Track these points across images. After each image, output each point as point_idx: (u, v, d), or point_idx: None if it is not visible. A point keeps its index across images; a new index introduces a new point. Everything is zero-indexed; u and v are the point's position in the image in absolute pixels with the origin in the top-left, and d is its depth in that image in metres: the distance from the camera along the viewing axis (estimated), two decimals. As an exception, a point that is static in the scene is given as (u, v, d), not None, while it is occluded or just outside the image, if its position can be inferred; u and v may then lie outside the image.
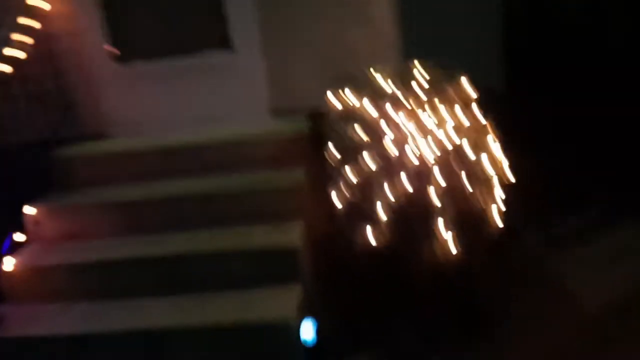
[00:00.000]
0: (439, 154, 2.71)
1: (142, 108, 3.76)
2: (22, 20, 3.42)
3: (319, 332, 2.71)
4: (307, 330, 2.68)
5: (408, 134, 2.75)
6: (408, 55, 3.74)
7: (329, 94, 3.03)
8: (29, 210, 3.33)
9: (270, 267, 2.91)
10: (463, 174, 2.70)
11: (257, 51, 3.62)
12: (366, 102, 2.88)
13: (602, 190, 3.90)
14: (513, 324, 2.83)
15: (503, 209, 2.83)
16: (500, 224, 2.83)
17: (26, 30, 3.43)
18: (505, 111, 4.53)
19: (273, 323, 2.67)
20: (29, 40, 3.41)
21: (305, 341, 2.66)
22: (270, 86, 3.67)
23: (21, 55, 3.36)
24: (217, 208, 3.20)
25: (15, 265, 3.11)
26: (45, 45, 3.60)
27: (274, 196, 3.17)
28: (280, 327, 2.65)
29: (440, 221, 2.65)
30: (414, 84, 2.95)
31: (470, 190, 2.71)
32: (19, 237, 3.28)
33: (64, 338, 2.83)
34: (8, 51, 3.29)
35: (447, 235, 2.65)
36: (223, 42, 3.65)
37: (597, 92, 4.53)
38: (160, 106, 3.76)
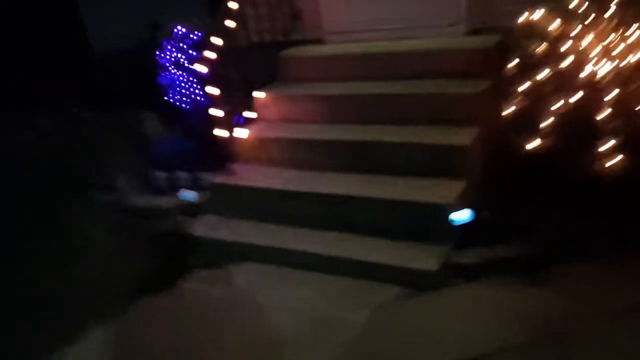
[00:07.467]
0: (617, 72, 2.82)
1: (353, 19, 4.37)
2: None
3: (475, 219, 3.13)
4: (464, 215, 3.13)
5: (589, 53, 2.88)
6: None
7: (523, 13, 3.24)
8: (258, 95, 4.23)
9: (441, 161, 3.39)
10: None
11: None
12: (555, 21, 3.04)
13: None
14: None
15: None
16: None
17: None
18: None
19: (434, 204, 3.18)
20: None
21: (460, 224, 3.12)
22: (469, 4, 3.97)
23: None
24: (404, 108, 3.72)
25: (246, 135, 4.04)
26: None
27: (455, 102, 3.58)
28: (439, 208, 3.15)
29: (605, 137, 2.81)
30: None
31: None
32: (250, 114, 4.21)
33: (275, 191, 3.71)
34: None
35: (611, 150, 2.81)
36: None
37: None
38: (368, 18, 4.31)
